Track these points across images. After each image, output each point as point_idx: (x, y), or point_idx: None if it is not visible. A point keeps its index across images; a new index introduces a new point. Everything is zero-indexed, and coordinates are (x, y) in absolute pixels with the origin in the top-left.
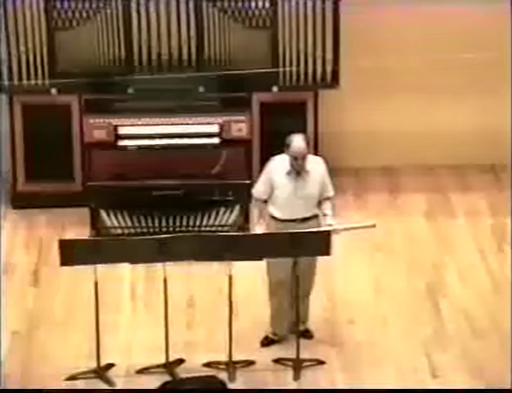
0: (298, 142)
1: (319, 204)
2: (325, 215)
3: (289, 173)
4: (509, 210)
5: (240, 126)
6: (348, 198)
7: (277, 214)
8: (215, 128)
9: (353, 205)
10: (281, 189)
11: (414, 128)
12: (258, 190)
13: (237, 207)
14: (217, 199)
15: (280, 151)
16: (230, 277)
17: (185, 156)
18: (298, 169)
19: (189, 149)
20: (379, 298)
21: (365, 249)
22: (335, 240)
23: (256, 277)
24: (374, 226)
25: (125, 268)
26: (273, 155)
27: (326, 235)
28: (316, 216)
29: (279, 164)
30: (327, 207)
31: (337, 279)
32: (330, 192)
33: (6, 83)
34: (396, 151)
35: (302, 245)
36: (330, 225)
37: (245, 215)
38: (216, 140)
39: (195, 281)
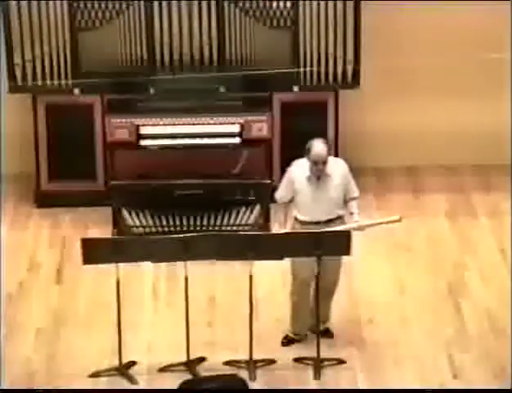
0: (318, 147)
1: (345, 204)
2: (351, 214)
3: (309, 179)
4: None
5: (260, 126)
6: (370, 198)
7: (301, 217)
8: (236, 128)
9: (375, 205)
10: (303, 195)
11: (436, 128)
12: (281, 195)
13: (258, 207)
14: (238, 198)
15: (301, 151)
16: (251, 277)
17: (206, 156)
18: (318, 175)
19: (210, 149)
20: (401, 298)
21: (386, 248)
22: (357, 239)
23: (276, 276)
24: (399, 220)
25: (147, 266)
26: (294, 155)
27: (347, 235)
28: (340, 217)
29: (299, 170)
30: (353, 206)
31: (358, 278)
32: (355, 193)
33: (30, 83)
34: (417, 150)
35: (322, 244)
36: (356, 221)
37: (266, 215)
38: (237, 140)
39: (216, 280)
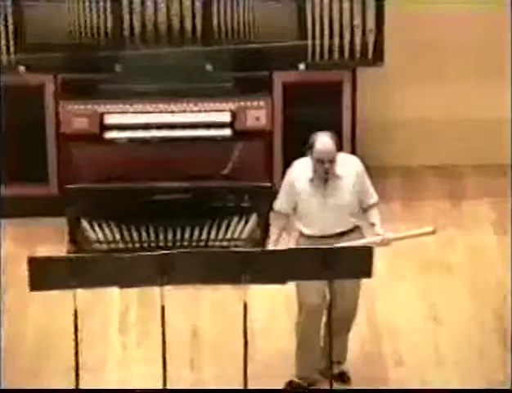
0: (322, 141)
1: (363, 213)
2: (372, 225)
3: (313, 182)
4: None
5: (257, 114)
6: (395, 206)
7: (307, 231)
8: (226, 117)
9: (401, 214)
10: (306, 201)
11: (478, 118)
12: (281, 203)
13: (254, 216)
14: (229, 206)
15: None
16: (245, 304)
17: (188, 152)
18: (324, 177)
19: (193, 143)
20: (435, 330)
21: (416, 268)
22: (380, 256)
23: (277, 304)
24: (433, 233)
25: (113, 293)
26: (300, 150)
27: (367, 251)
28: (356, 228)
29: (301, 172)
30: (373, 215)
31: (381, 306)
32: (373, 199)
33: None
34: (455, 145)
35: (335, 264)
36: (379, 235)
37: (264, 226)
38: (227, 131)
39: (202, 308)
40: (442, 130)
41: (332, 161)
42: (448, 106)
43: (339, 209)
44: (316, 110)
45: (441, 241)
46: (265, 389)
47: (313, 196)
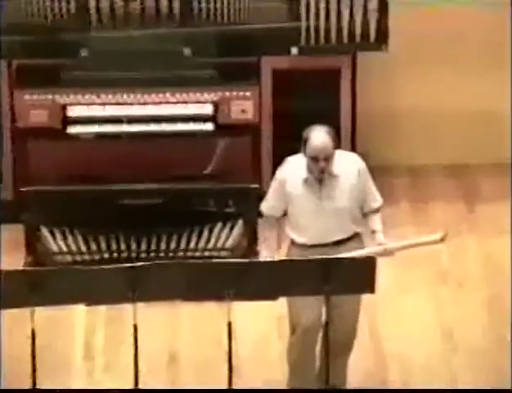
0: (318, 137)
1: (364, 218)
2: (373, 232)
3: (307, 183)
4: None
5: (243, 105)
6: (402, 209)
7: (299, 239)
8: (208, 109)
9: (409, 218)
10: (299, 205)
11: (494, 110)
12: (269, 206)
13: (240, 222)
14: (212, 211)
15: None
16: (230, 325)
17: (164, 150)
18: (320, 176)
19: (170, 139)
20: (448, 351)
21: (426, 280)
22: (384, 267)
23: (267, 324)
24: (441, 240)
25: (78, 311)
26: (292, 147)
27: (369, 262)
28: (356, 235)
29: (293, 170)
30: (375, 221)
31: (386, 325)
32: (377, 202)
33: None
34: (469, 142)
35: (333, 277)
36: (381, 244)
37: (252, 234)
38: (209, 126)
39: (181, 329)
40: (454, 124)
41: (329, 159)
42: (461, 97)
43: (337, 213)
44: (310, 101)
45: (453, 249)
46: (264, 389)
47: (307, 199)
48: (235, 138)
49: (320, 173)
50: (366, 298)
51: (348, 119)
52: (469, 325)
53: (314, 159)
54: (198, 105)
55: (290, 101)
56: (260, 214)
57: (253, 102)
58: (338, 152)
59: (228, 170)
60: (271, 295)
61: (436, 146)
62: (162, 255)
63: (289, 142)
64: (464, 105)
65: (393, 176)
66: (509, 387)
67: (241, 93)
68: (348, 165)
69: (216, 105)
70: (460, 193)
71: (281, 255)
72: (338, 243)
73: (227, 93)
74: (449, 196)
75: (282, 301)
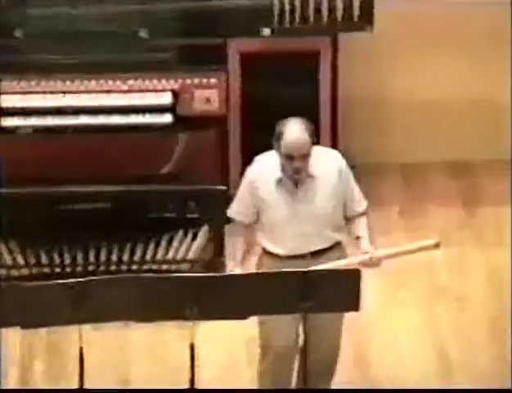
0: (294, 131)
1: (346, 224)
2: (357, 239)
3: (281, 184)
4: None
5: (208, 94)
6: (392, 214)
7: (272, 249)
8: (166, 99)
9: (400, 224)
10: (272, 210)
11: (498, 101)
12: (238, 211)
13: (204, 230)
14: (171, 216)
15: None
16: (192, 347)
17: (115, 146)
18: (295, 177)
19: (122, 134)
20: (446, 378)
21: (420, 297)
22: (370, 280)
23: (235, 347)
24: (437, 246)
25: (12, 336)
26: (264, 143)
27: (352, 275)
28: (337, 245)
29: (265, 170)
30: (359, 227)
31: (374, 347)
32: (361, 206)
33: None
34: (470, 136)
35: (311, 293)
36: (366, 253)
37: (218, 243)
38: (168, 118)
39: (133, 353)
40: (453, 116)
41: (306, 157)
42: (461, 86)
43: (316, 220)
44: (284, 90)
45: (451, 261)
46: (263, 389)
47: (281, 203)
48: (198, 132)
49: (295, 173)
50: (349, 317)
51: (327, 110)
52: (468, 343)
53: (289, 157)
54: (155, 94)
55: (262, 89)
56: (227, 221)
57: (218, 91)
58: (316, 149)
59: (190, 169)
60: (240, 314)
61: (432, 142)
62: (113, 268)
63: (261, 137)
64: (465, 94)
65: (382, 176)
66: (509, 387)
67: (205, 80)
68: (327, 165)
69: (176, 94)
70: (460, 195)
71: (252, 268)
72: (317, 254)
73: (189, 80)
74: (446, 199)
75: (253, 321)
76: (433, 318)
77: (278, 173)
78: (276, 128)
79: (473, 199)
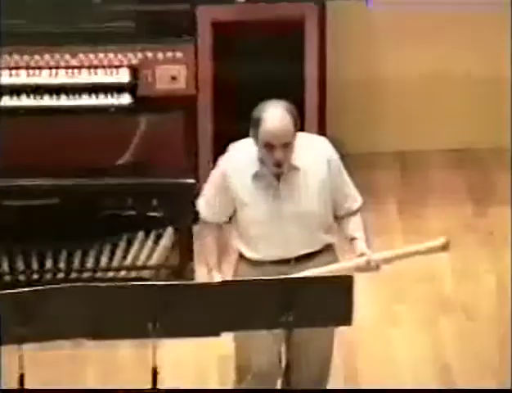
0: (275, 116)
1: (338, 224)
2: (351, 240)
3: (258, 177)
4: None
5: (173, 70)
6: (389, 211)
7: (250, 253)
8: (124, 76)
9: (398, 223)
10: (250, 208)
11: (503, 78)
12: (209, 210)
13: (169, 231)
14: (130, 215)
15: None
16: (154, 370)
17: (63, 132)
18: (275, 170)
19: (72, 117)
20: None
21: (421, 307)
22: (366, 290)
23: (206, 369)
24: (444, 248)
25: None
26: (240, 129)
27: (345, 283)
28: (327, 248)
29: (241, 161)
30: (354, 226)
31: (368, 367)
32: (355, 202)
33: None
34: (477, 121)
35: (297, 305)
36: (363, 255)
37: (186, 247)
38: (126, 98)
39: (85, 376)
40: (458, 98)
41: (288, 147)
42: (465, 64)
43: (301, 220)
44: (263, 67)
45: (458, 266)
46: (264, 389)
47: (259, 201)
48: (161, 116)
49: (276, 166)
50: (340, 332)
51: (314, 91)
52: (477, 368)
53: (268, 147)
54: (110, 70)
55: (237, 65)
56: (197, 220)
57: (186, 66)
58: (301, 137)
59: (152, 160)
60: (212, 330)
61: (433, 127)
62: (60, 276)
63: (236, 122)
64: (469, 73)
65: (376, 168)
66: (509, 387)
67: (170, 54)
68: (314, 154)
69: (135, 70)
70: (467, 190)
71: (226, 275)
72: (303, 259)
73: (151, 54)
74: (451, 194)
75: (226, 337)
76: (436, 334)
77: (256, 166)
78: (254, 112)
79: (482, 194)
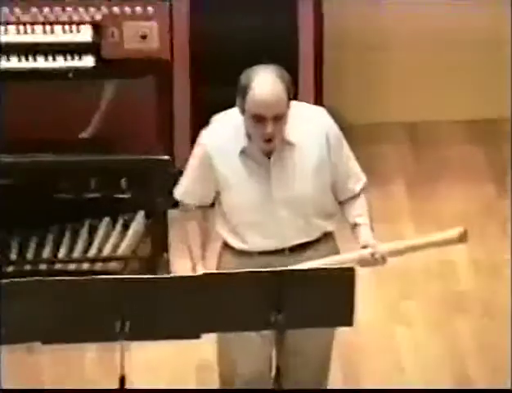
0: (264, 83)
1: (340, 208)
2: (354, 227)
3: (245, 155)
4: None
5: (143, 28)
6: (396, 194)
7: (237, 243)
8: (86, 35)
9: (407, 208)
10: (236, 191)
11: None
12: (188, 192)
13: (139, 217)
14: (93, 197)
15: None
16: (122, 379)
17: (14, 100)
18: (265, 147)
19: (23, 83)
20: None
21: (432, 306)
22: (372, 286)
23: (182, 374)
24: (462, 239)
25: None
26: (223, 99)
27: (346, 278)
28: (326, 237)
29: (225, 136)
30: (357, 210)
31: (371, 371)
32: (359, 181)
33: None
34: (498, 87)
35: (290, 302)
36: (366, 247)
37: (160, 235)
38: (88, 61)
39: (42, 384)
40: (476, 57)
41: (280, 119)
42: (475, 17)
43: (296, 205)
44: (251, 25)
45: (478, 259)
46: (261, 389)
47: (248, 182)
48: (130, 81)
49: (266, 141)
50: (341, 334)
51: (309, 53)
52: (497, 372)
53: (258, 118)
54: (70, 27)
55: (219, 23)
56: (172, 203)
57: (158, 23)
58: (295, 106)
59: (120, 133)
60: (191, 331)
61: (449, 94)
62: (11, 269)
63: (219, 90)
64: (487, 31)
65: (382, 141)
66: (509, 387)
67: (139, 9)
68: (311, 127)
69: (99, 27)
70: (488, 167)
71: (208, 268)
72: (298, 249)
73: (117, 9)
74: (469, 173)
75: (208, 341)
76: (450, 335)
77: (242, 141)
78: (241, 78)
79: (506, 173)
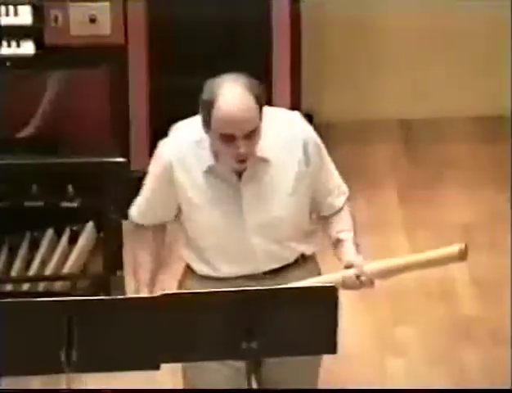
0: (232, 98)
1: (322, 222)
2: (337, 243)
3: (212, 173)
4: None
5: (92, 9)
6: (387, 200)
7: (203, 269)
8: (25, 18)
9: (401, 219)
10: (200, 213)
11: None
12: (145, 211)
13: (89, 228)
14: (35, 206)
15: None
16: None
17: None
18: (237, 167)
19: None
20: None
21: (431, 331)
22: (353, 306)
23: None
24: (462, 257)
25: None
26: (185, 95)
27: (326, 296)
28: (305, 259)
29: (187, 150)
30: (341, 227)
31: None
32: (342, 195)
33: None
34: (502, 80)
35: (265, 327)
36: (351, 266)
37: (112, 249)
38: (29, 47)
39: None
40: (477, 47)
41: (253, 136)
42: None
43: (270, 229)
44: (216, 6)
45: (484, 277)
46: (267, 389)
47: (215, 204)
48: (78, 72)
49: (238, 162)
50: (324, 364)
51: (285, 48)
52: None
53: (227, 138)
54: (6, 8)
55: (181, 6)
56: (127, 213)
57: (109, 5)
58: (266, 113)
59: (67, 132)
60: (148, 361)
61: (447, 88)
62: None
63: (181, 80)
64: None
65: (373, 140)
66: (509, 387)
67: None
68: (286, 137)
69: (40, 9)
70: (493, 170)
71: (169, 288)
72: (273, 273)
73: None
74: (471, 176)
75: (169, 370)
76: (454, 366)
77: (208, 158)
78: (203, 91)
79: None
